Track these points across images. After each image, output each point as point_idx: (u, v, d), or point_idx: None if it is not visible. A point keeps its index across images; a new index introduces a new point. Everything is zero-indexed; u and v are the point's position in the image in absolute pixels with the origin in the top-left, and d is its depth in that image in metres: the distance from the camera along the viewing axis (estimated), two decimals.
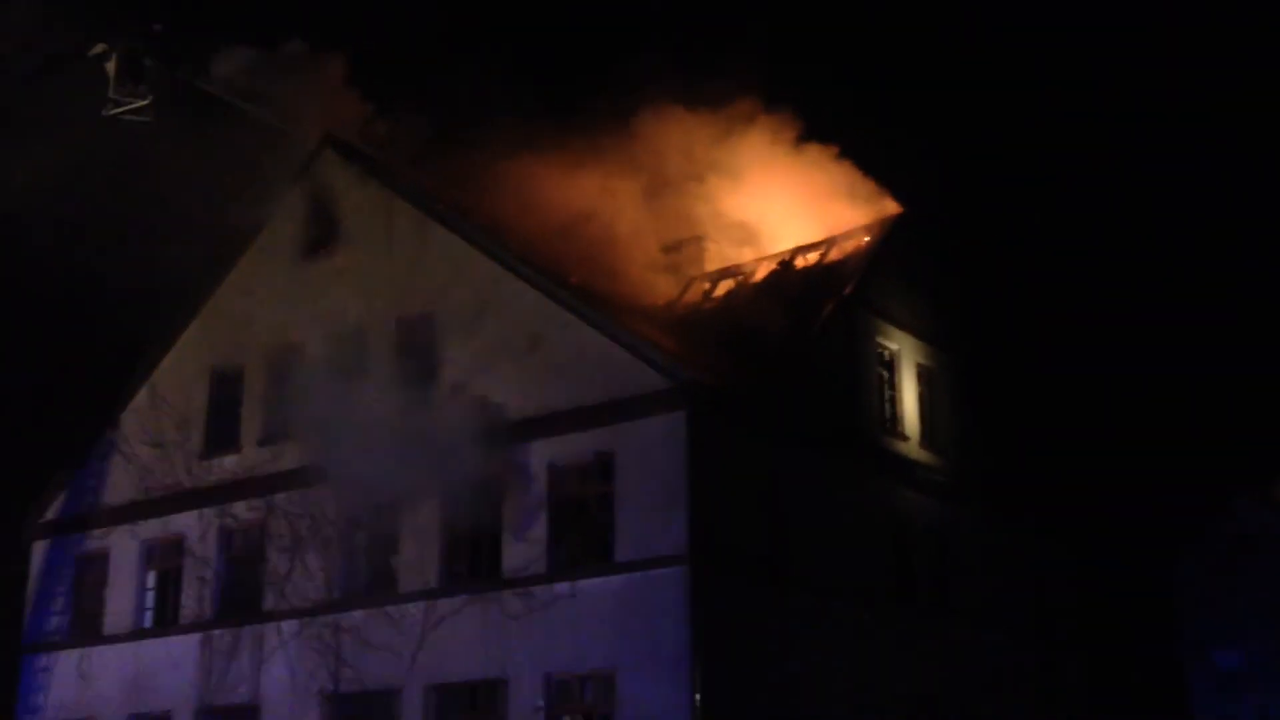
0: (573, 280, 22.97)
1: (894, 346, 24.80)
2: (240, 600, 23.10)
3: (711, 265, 27.23)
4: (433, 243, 23.23)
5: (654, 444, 19.81)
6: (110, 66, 23.17)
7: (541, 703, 19.70)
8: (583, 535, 20.48)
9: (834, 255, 25.54)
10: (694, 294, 26.79)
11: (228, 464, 24.24)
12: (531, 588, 20.29)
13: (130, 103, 23.19)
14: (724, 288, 26.59)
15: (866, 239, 25.42)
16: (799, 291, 24.64)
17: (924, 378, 25.39)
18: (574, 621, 19.77)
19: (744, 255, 27.07)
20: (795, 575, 20.97)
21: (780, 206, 27.02)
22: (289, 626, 22.15)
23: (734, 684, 19.06)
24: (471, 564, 21.37)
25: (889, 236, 25.42)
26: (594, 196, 26.84)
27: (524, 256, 23.11)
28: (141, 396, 25.87)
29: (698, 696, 18.47)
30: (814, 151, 27.65)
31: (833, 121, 28.76)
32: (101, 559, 25.23)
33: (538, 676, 19.80)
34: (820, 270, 25.26)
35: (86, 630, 25.01)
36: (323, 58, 26.46)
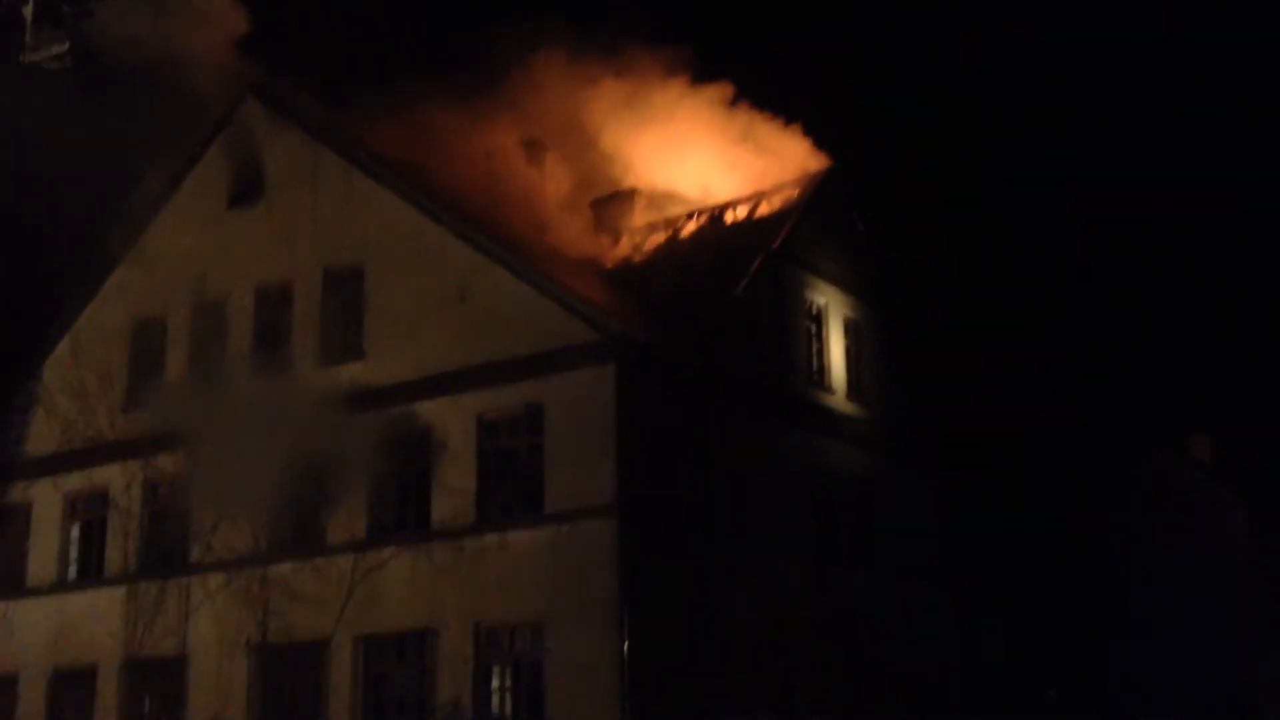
0: (501, 232, 22.94)
1: (821, 300, 25.06)
2: (166, 553, 22.93)
3: (641, 220, 27.28)
4: (360, 193, 23.05)
5: (583, 397, 19.93)
6: (27, 11, 22.57)
7: (471, 652, 19.82)
8: (512, 487, 20.59)
9: (763, 210, 25.71)
10: (624, 248, 26.85)
11: (151, 416, 23.93)
12: (461, 539, 20.38)
13: (48, 49, 22.62)
14: (653, 242, 26.67)
15: (795, 194, 25.61)
16: (728, 246, 24.80)
17: (851, 331, 25.70)
18: (504, 572, 19.92)
19: (673, 210, 27.15)
20: (722, 527, 21.25)
21: (709, 161, 27.11)
22: (215, 579, 22.05)
23: (662, 634, 19.33)
24: (400, 515, 21.40)
25: (817, 191, 25.63)
26: (523, 149, 26.79)
27: (452, 208, 23.02)
28: (63, 347, 25.47)
29: (626, 646, 18.71)
30: (743, 107, 27.78)
31: (761, 76, 28.91)
32: (23, 511, 24.88)
33: (468, 626, 19.92)
34: (749, 225, 25.43)
35: (8, 583, 24.70)
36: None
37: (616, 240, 27.00)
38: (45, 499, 24.65)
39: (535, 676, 19.48)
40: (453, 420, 20.99)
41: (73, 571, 24.30)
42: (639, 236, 26.98)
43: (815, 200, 25.42)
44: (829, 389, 24.78)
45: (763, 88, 28.14)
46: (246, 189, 24.23)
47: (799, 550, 22.92)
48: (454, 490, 20.74)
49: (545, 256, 24.03)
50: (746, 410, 22.45)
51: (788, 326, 24.06)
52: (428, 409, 21.21)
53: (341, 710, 20.70)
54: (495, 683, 19.92)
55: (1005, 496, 30.02)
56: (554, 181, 27.04)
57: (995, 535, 29.43)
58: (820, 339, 24.93)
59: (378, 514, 21.46)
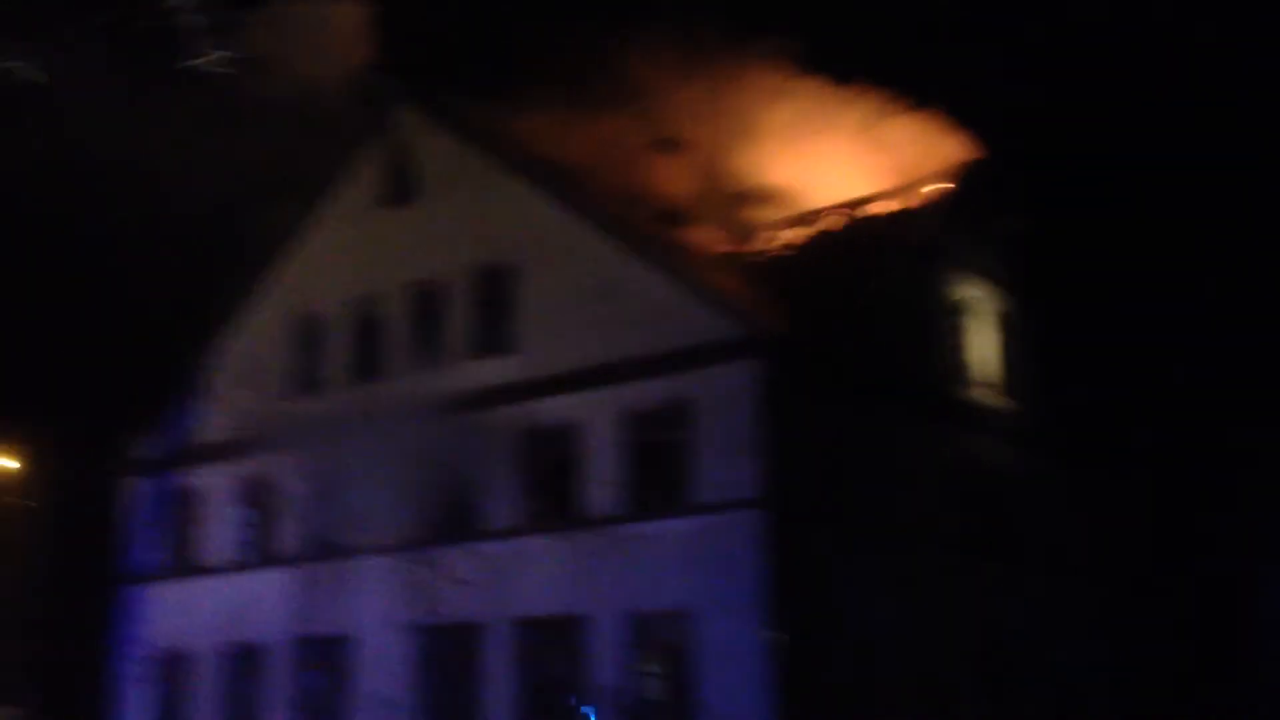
0: (646, 229, 23.43)
1: (970, 294, 24.99)
2: (331, 536, 24.00)
3: (783, 214, 27.48)
4: (509, 193, 23.73)
5: (728, 392, 20.29)
6: (189, 19, 23.71)
7: (623, 639, 20.39)
8: (659, 479, 21.05)
9: (909, 203, 25.69)
10: (765, 243, 27.09)
11: (315, 405, 25.08)
12: (610, 528, 20.98)
13: (207, 54, 23.75)
14: (796, 237, 26.85)
15: (941, 186, 25.53)
16: (872, 240, 24.87)
17: (999, 325, 25.57)
18: (653, 562, 20.45)
19: (816, 204, 27.28)
20: (867, 520, 21.45)
21: (853, 155, 27.17)
22: (379, 561, 23.04)
23: (808, 625, 19.63)
24: (552, 504, 22.10)
25: (964, 183, 25.50)
26: (665, 146, 27.16)
27: (598, 206, 23.60)
28: (233, 339, 26.80)
29: (774, 635, 19.10)
30: (888, 98, 27.73)
31: (907, 67, 28.77)
32: (196, 495, 26.31)
33: (619, 614, 20.54)
34: (894, 219, 25.44)
35: (183, 564, 26.16)
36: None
37: (758, 235, 27.25)
38: (218, 484, 26.03)
39: (685, 664, 19.97)
40: (601, 414, 21.56)
41: (244, 553, 25.60)
42: (781, 231, 27.19)
43: (962, 193, 25.32)
44: (977, 384, 24.71)
45: (909, 79, 28.05)
46: (401, 190, 25.15)
47: (944, 545, 22.96)
48: (603, 481, 21.34)
49: (689, 253, 24.47)
50: (892, 405, 22.56)
51: (934, 321, 24.08)
52: (576, 402, 21.84)
53: (498, 692, 21.52)
54: (648, 669, 20.50)
55: (1156, 492, 29.48)
56: (695, 177, 27.40)
57: (1146, 532, 28.96)
58: (967, 333, 24.89)
59: (531, 503, 22.20)
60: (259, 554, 25.31)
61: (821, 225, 26.78)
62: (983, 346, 25.01)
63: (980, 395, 24.66)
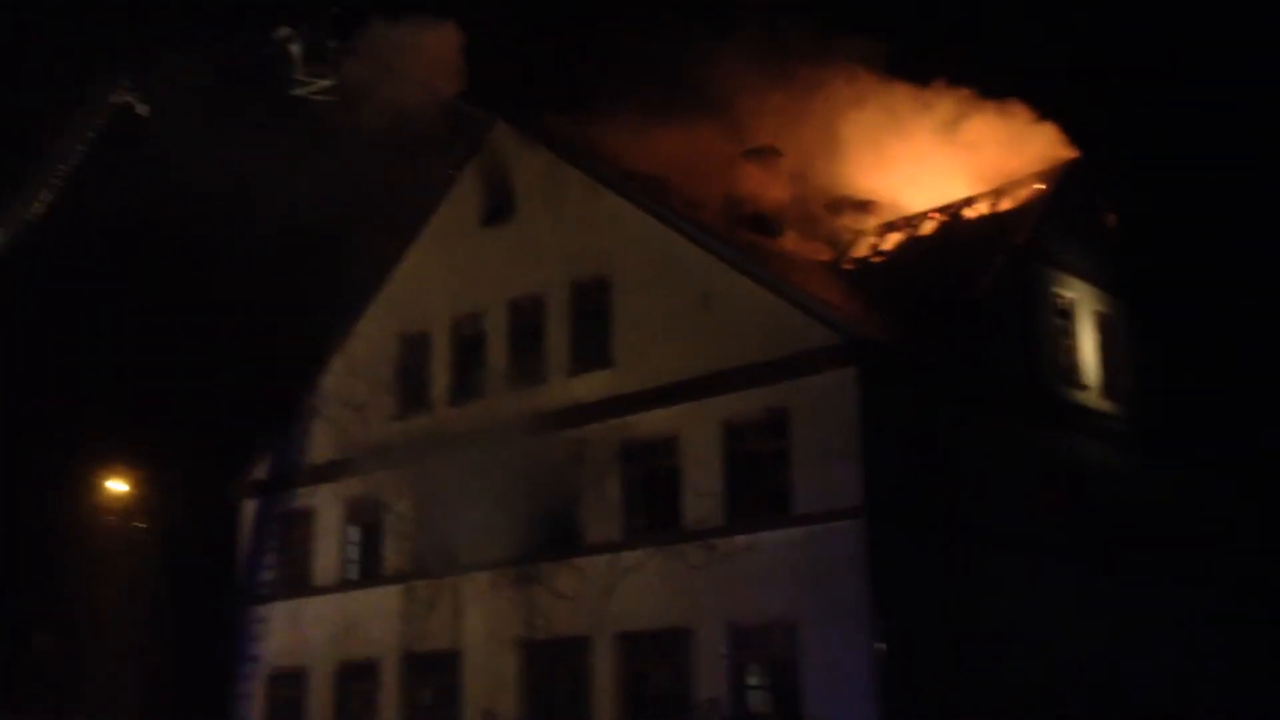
0: (740, 239, 23.42)
1: (1071, 295, 24.57)
2: (437, 553, 24.34)
3: (878, 220, 27.30)
4: (604, 207, 23.91)
5: (827, 400, 20.19)
6: (296, 50, 24.38)
7: (726, 651, 20.39)
8: (760, 489, 21.00)
9: (1005, 205, 25.37)
10: (862, 250, 26.93)
11: (420, 423, 25.48)
12: (711, 540, 20.97)
13: (315, 83, 24.39)
14: (892, 242, 26.66)
15: (1039, 187, 25.16)
16: (970, 243, 24.59)
17: (1103, 326, 25.10)
18: (755, 573, 20.39)
19: (911, 209, 27.05)
20: (972, 527, 21.17)
21: (948, 158, 26.89)
22: (484, 577, 23.31)
23: (914, 634, 19.42)
24: (652, 518, 22.17)
25: (1062, 184, 25.11)
26: (757, 155, 27.15)
27: (692, 217, 23.67)
28: (338, 362, 27.36)
29: (880, 646, 18.92)
30: (981, 100, 27.40)
31: (1002, 67, 28.43)
32: (307, 515, 26.87)
33: (721, 626, 20.51)
34: (991, 221, 25.14)
35: (296, 583, 26.72)
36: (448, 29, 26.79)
37: (854, 242, 27.10)
38: (327, 504, 26.56)
39: (791, 675, 19.86)
40: (699, 425, 21.58)
41: (353, 571, 26.08)
42: (877, 237, 27.01)
43: (1061, 193, 24.93)
44: (1081, 386, 24.28)
45: (1003, 79, 27.70)
46: (498, 208, 25.49)
47: (1051, 550, 22.56)
48: (703, 493, 21.33)
49: (785, 261, 24.43)
50: (994, 409, 22.25)
51: (1035, 323, 23.72)
52: (674, 414, 21.88)
53: (604, 705, 21.62)
54: (751, 680, 20.44)
55: (1266, 493, 28.60)
56: (789, 185, 27.35)
57: (1256, 534, 28.12)
58: (1071, 335, 24.46)
59: (631, 516, 22.29)
60: (368, 572, 25.75)
61: (917, 230, 26.55)
62: (1083, 348, 24.55)
63: (1082, 397, 24.22)
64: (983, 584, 20.93)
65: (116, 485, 34.76)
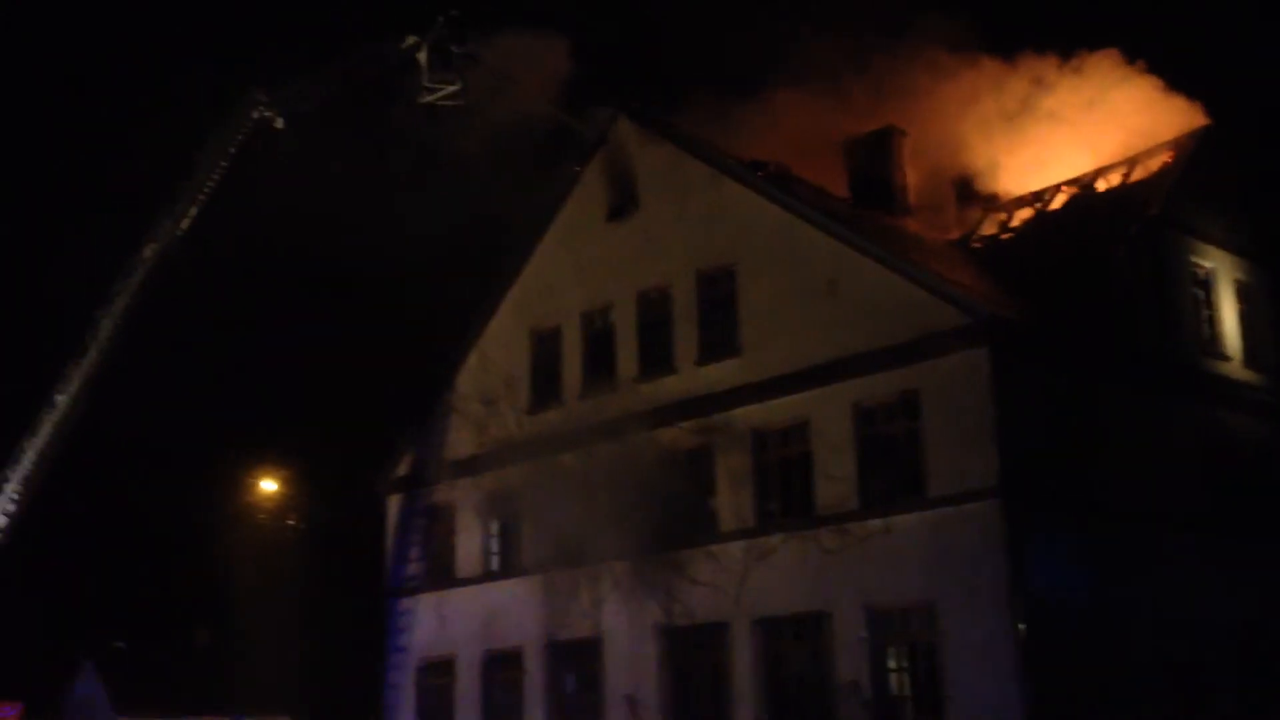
0: (865, 222, 23.36)
1: (1209, 265, 23.98)
2: (576, 543, 24.80)
3: (1006, 196, 26.94)
4: (727, 196, 24.07)
5: (959, 380, 20.09)
6: (422, 57, 25.03)
7: (865, 634, 20.45)
8: (893, 472, 20.97)
9: (1138, 175, 24.87)
10: (990, 227, 26.62)
11: (553, 417, 25.99)
12: (846, 524, 21.03)
13: (441, 89, 25.01)
14: (1021, 217, 26.30)
15: (1171, 156, 24.58)
16: (1102, 215, 24.16)
17: (1243, 295, 24.43)
18: (890, 555, 20.40)
19: (1040, 183, 26.64)
20: (1110, 505, 20.86)
21: (1075, 129, 26.43)
22: (621, 566, 23.70)
23: (1055, 614, 19.25)
24: (786, 503, 22.30)
25: (1195, 152, 24.49)
26: (879, 137, 27.03)
27: (815, 202, 23.68)
28: (472, 359, 27.98)
29: (1021, 626, 18.79)
30: (1112, 67, 26.85)
31: (1131, 34, 27.80)
32: (449, 510, 27.58)
33: (859, 609, 20.57)
34: (1123, 192, 24.66)
35: (441, 575, 27.46)
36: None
37: (981, 220, 26.81)
38: (467, 498, 27.22)
39: (931, 658, 19.85)
40: (829, 409, 21.64)
41: (495, 563, 26.71)
42: (1006, 213, 26.68)
43: (1194, 161, 24.33)
44: (1222, 356, 23.70)
45: (1132, 47, 27.11)
46: (623, 203, 25.80)
47: (1192, 525, 22.10)
48: (836, 477, 21.39)
49: (911, 243, 24.30)
50: (1131, 383, 21.86)
51: (1173, 294, 23.22)
52: (804, 400, 21.97)
53: (744, 689, 21.83)
54: (891, 664, 20.47)
55: None
56: (913, 166, 27.17)
57: None
58: (1210, 305, 23.87)
59: (765, 502, 22.45)
60: (509, 563, 26.35)
61: (1046, 205, 26.15)
62: (1223, 318, 23.93)
63: (1223, 368, 23.62)
64: (1123, 561, 20.61)
65: (267, 485, 36.13)
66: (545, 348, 26.75)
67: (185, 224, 23.56)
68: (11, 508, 22.64)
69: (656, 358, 24.53)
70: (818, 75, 29.24)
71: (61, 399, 22.83)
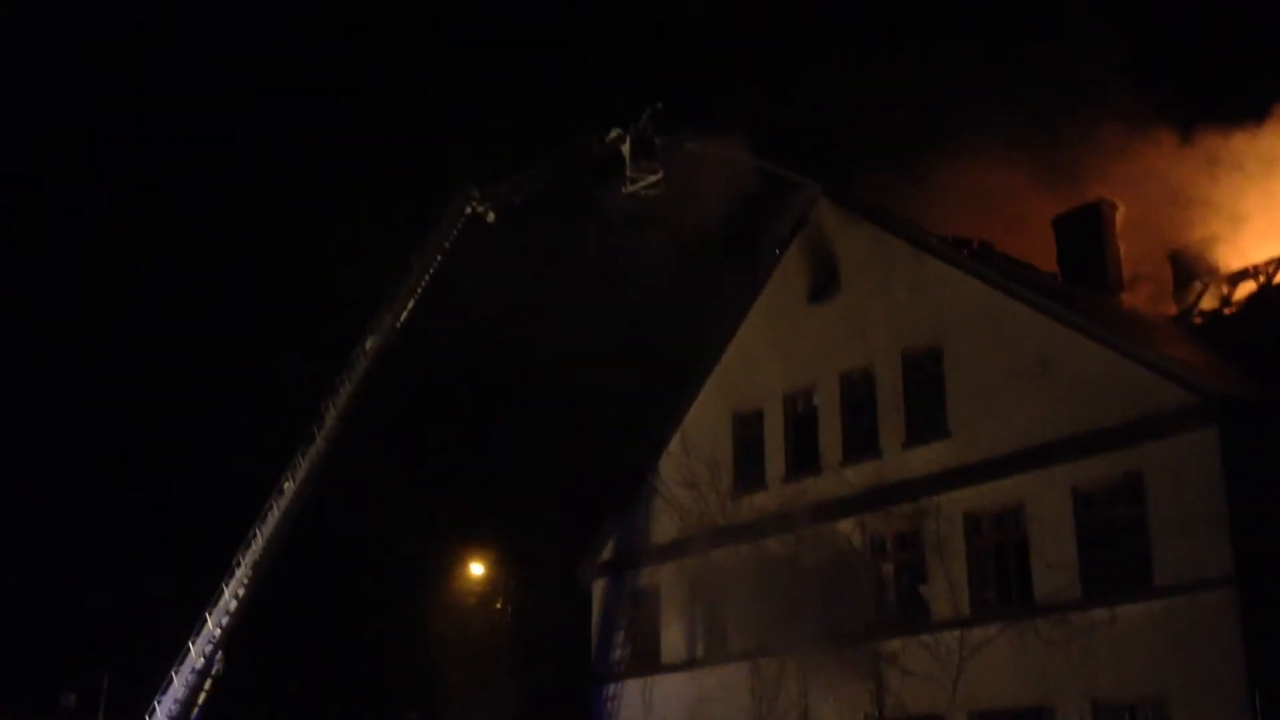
0: (1078, 298, 22.67)
1: None
2: (783, 629, 24.42)
3: (1226, 268, 25.80)
4: (930, 275, 23.76)
5: (1186, 462, 19.20)
6: (625, 148, 25.71)
7: None
8: (1116, 559, 20.09)
9: None
10: (1211, 301, 25.50)
11: (757, 501, 25.83)
12: (1067, 614, 20.18)
13: (644, 179, 25.61)
14: (1244, 291, 25.12)
15: None
16: None
17: None
18: (1116, 647, 19.49)
19: (1262, 255, 25.43)
20: None
21: None
22: (830, 654, 23.19)
23: None
24: (1001, 591, 21.56)
25: None
26: (1090, 210, 26.28)
27: (1024, 279, 23.14)
28: (674, 443, 28.11)
29: None
30: None
31: None
32: (654, 594, 27.59)
33: (1084, 703, 19.65)
34: None
35: (646, 661, 27.41)
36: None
37: (1201, 294, 25.71)
38: (671, 582, 27.18)
39: None
40: (1045, 493, 20.94)
41: (700, 649, 26.51)
42: (1226, 287, 25.53)
43: None
44: None
45: None
46: (824, 283, 25.72)
47: None
48: (1054, 565, 20.61)
49: (1127, 319, 23.46)
50: None
51: None
52: (1018, 483, 21.32)
53: None
54: None
55: None
56: (1126, 240, 26.32)
57: None
58: None
59: (980, 590, 21.77)
60: (714, 649, 26.10)
61: (1270, 278, 24.92)
62: None
63: None
64: None
65: (476, 569, 36.88)
66: (747, 430, 26.71)
67: (404, 317, 24.57)
68: (242, 591, 23.69)
69: (861, 440, 24.21)
70: (1014, 150, 28.72)
71: (289, 486, 23.89)
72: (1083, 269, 25.20)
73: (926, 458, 22.83)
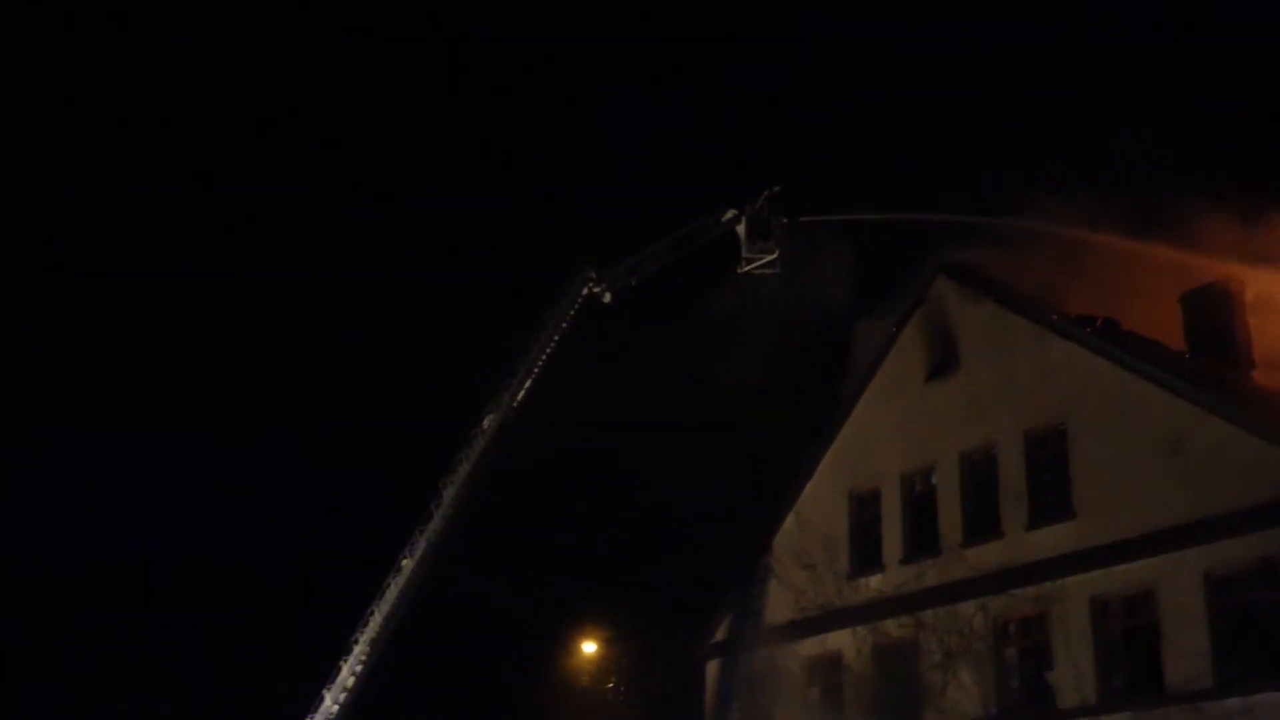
0: (1209, 378, 22.09)
1: None
2: (902, 714, 23.90)
3: None
4: (1054, 354, 23.38)
5: None
6: (741, 229, 25.89)
7: None
8: (1253, 646, 19.37)
9: None
10: None
11: (874, 582, 25.42)
12: (1199, 703, 19.48)
13: (759, 259, 25.73)
14: None
15: None
16: None
17: None
18: None
19: None
20: None
21: None
22: None
23: None
24: (1130, 678, 20.88)
25: None
26: (1218, 286, 25.60)
27: (1152, 358, 22.64)
28: (789, 522, 27.84)
29: None
30: None
31: None
32: (769, 675, 27.15)
33: None
34: None
35: None
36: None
37: None
38: (787, 664, 26.74)
39: None
40: (1177, 577, 20.31)
41: None
42: None
43: None
44: None
45: None
46: (943, 361, 25.44)
47: None
48: (1187, 652, 19.93)
49: (1261, 397, 22.77)
50: None
51: None
52: (1149, 567, 20.74)
53: None
54: None
55: None
56: (1257, 316, 25.59)
57: None
58: None
59: (1107, 677, 21.09)
60: None
61: None
62: None
63: None
64: None
65: (588, 647, 36.77)
66: (864, 510, 26.37)
67: (521, 395, 24.88)
68: (359, 668, 23.93)
69: (982, 521, 23.74)
70: (1139, 223, 28.16)
71: (407, 564, 24.16)
72: (1212, 346, 24.55)
73: (1051, 539, 22.30)
